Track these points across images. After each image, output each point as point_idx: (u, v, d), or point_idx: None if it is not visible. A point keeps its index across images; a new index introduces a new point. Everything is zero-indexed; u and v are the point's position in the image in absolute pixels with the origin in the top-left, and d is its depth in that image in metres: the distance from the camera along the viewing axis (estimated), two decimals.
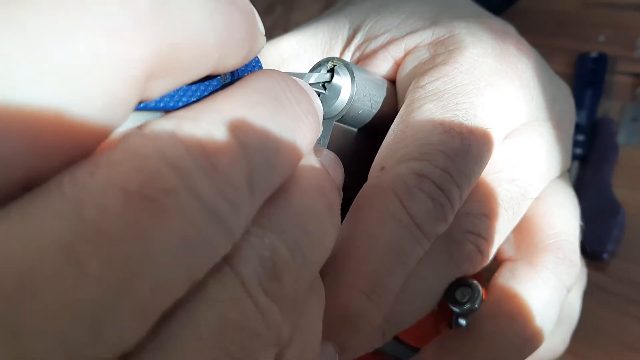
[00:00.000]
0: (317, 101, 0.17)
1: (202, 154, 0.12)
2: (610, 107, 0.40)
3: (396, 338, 0.25)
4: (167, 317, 0.11)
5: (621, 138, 0.38)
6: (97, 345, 0.10)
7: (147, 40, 0.11)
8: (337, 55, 0.26)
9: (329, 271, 0.19)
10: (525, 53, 0.24)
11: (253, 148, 0.13)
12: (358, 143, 0.24)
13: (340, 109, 0.22)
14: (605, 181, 0.36)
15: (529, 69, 0.24)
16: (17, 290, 0.09)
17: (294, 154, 0.14)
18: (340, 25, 0.26)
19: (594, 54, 0.42)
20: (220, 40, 0.13)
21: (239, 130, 0.13)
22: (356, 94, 0.22)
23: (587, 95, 0.41)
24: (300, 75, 0.21)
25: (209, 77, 0.15)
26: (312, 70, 0.23)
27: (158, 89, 0.12)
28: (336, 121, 0.23)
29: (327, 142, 0.23)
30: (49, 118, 0.10)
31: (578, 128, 0.39)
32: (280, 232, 0.14)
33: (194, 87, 0.14)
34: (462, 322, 0.24)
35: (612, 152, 0.38)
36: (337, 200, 0.16)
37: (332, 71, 0.23)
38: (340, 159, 0.24)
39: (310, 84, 0.23)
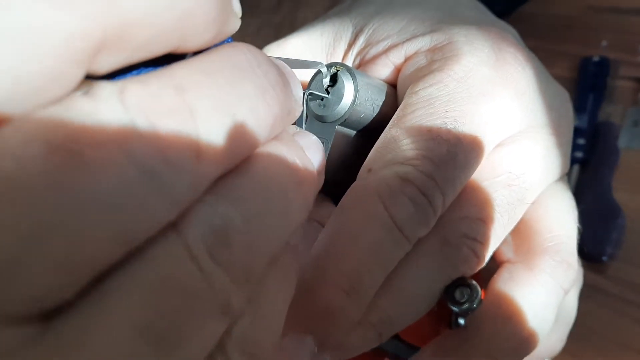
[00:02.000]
0: (296, 81, 0.16)
1: (142, 113, 0.11)
2: (612, 111, 0.41)
3: (397, 337, 0.26)
4: (101, 279, 0.11)
5: (622, 142, 0.39)
6: (5, 297, 0.10)
7: (92, 12, 0.10)
8: (340, 57, 0.27)
9: (311, 268, 0.20)
10: (522, 61, 0.24)
11: (205, 114, 0.12)
12: (358, 145, 0.25)
13: (343, 112, 0.23)
14: (606, 184, 0.37)
15: (525, 77, 0.24)
16: None
17: (255, 126, 0.14)
18: (344, 27, 0.26)
19: (596, 59, 0.42)
20: (181, 18, 0.12)
21: (191, 95, 0.12)
22: (358, 98, 0.23)
23: (589, 99, 0.41)
24: (300, 64, 0.21)
25: (174, 58, 0.14)
26: (315, 75, 0.24)
27: (107, 65, 0.12)
28: (339, 124, 0.23)
29: (329, 145, 0.23)
30: None
31: (580, 132, 0.39)
32: (236, 201, 0.13)
33: (153, 68, 0.13)
34: (462, 321, 0.24)
35: (613, 155, 0.38)
36: (311, 179, 0.16)
37: (335, 76, 0.23)
38: (340, 160, 0.24)
39: (313, 90, 0.23)
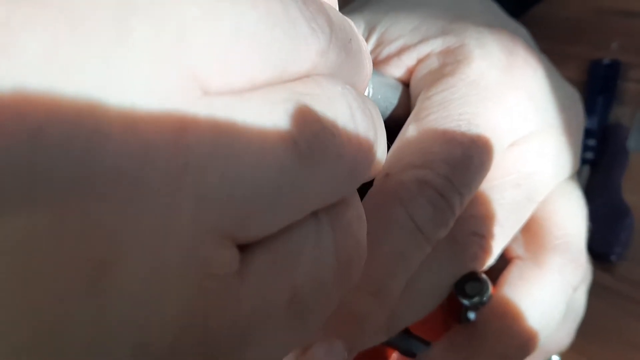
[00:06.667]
0: None
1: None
2: (622, 114, 0.41)
3: (406, 331, 0.26)
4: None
5: (632, 144, 0.39)
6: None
7: None
8: None
9: None
10: (533, 64, 0.25)
11: (339, 37, 0.13)
12: None
13: None
14: (615, 185, 0.37)
15: (536, 80, 0.24)
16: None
17: (362, 64, 0.15)
18: (356, 25, 0.27)
19: (606, 61, 0.43)
20: None
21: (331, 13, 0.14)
22: (372, 95, 0.23)
23: (599, 102, 0.41)
24: None
25: None
26: None
27: None
28: None
29: None
30: None
31: (589, 133, 0.40)
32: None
33: None
34: (471, 316, 0.25)
35: (622, 157, 0.38)
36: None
37: None
38: None
39: None
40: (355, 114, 0.13)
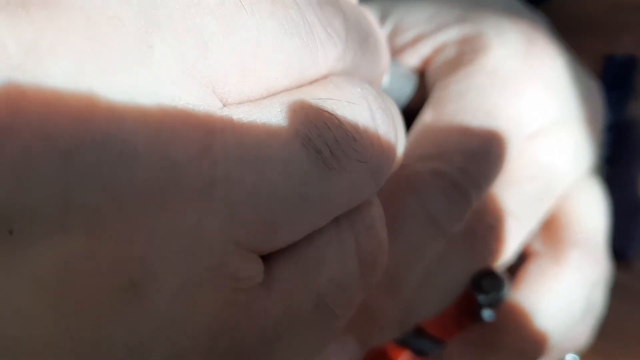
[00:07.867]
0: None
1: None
2: (637, 109, 0.40)
3: (420, 329, 0.25)
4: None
5: None
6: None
7: None
8: None
9: None
10: (552, 53, 0.24)
11: (352, 27, 0.14)
12: None
13: None
14: (630, 182, 0.36)
15: (555, 70, 0.24)
16: None
17: (379, 58, 0.15)
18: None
19: (621, 56, 0.42)
20: None
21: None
22: (388, 85, 0.23)
23: (613, 97, 0.41)
24: None
25: None
26: None
27: None
28: None
29: None
30: None
31: (605, 129, 0.39)
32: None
33: None
34: (486, 313, 0.24)
35: (638, 153, 0.37)
36: None
37: None
38: None
39: None
40: (376, 115, 0.13)
